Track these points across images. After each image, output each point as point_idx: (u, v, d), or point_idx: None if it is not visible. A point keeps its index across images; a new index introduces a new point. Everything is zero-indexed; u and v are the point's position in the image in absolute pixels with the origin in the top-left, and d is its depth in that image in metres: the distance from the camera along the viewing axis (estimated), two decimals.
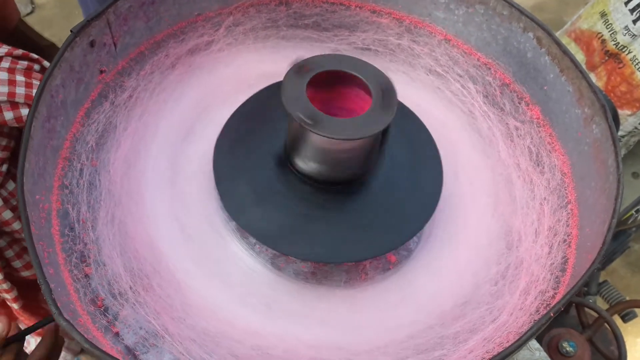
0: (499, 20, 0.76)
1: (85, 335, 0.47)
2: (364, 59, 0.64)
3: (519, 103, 0.77)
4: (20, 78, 0.79)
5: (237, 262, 0.67)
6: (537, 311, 0.61)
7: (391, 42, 0.86)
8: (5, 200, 0.84)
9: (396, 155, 0.69)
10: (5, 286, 0.90)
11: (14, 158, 0.84)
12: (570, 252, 0.65)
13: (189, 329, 0.60)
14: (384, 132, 0.61)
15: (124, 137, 0.72)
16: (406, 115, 0.73)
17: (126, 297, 0.61)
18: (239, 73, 0.83)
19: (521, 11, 0.73)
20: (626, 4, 1.19)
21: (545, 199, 0.71)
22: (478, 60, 0.80)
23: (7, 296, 0.93)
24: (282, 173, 0.66)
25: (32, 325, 0.66)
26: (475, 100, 0.80)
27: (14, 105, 0.78)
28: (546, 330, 0.93)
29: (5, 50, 0.81)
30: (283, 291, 0.66)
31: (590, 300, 1.14)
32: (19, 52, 0.83)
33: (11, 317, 1.04)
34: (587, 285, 1.18)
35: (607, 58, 1.24)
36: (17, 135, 0.84)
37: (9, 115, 0.78)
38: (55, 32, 1.13)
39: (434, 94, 0.83)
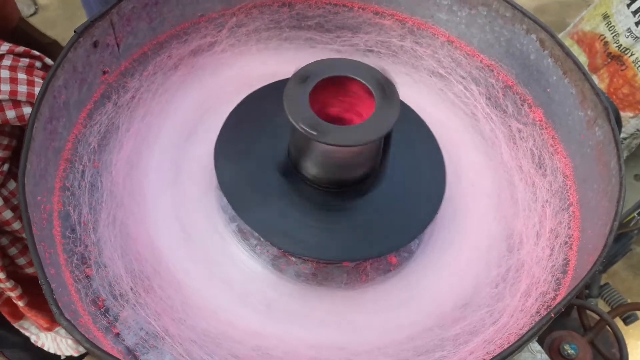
0: (501, 22, 0.76)
1: (86, 336, 0.47)
2: (367, 60, 0.64)
3: (522, 105, 0.77)
4: (22, 76, 0.79)
5: (238, 264, 0.67)
6: (538, 313, 0.60)
7: (394, 43, 0.86)
8: (6, 200, 0.84)
9: (399, 156, 0.69)
10: (8, 284, 0.90)
11: (16, 157, 0.84)
12: (572, 254, 0.64)
13: (189, 330, 0.60)
14: (387, 136, 0.61)
15: (126, 138, 0.72)
16: (409, 116, 0.73)
17: (127, 298, 0.61)
18: (241, 74, 0.83)
19: (524, 13, 0.73)
20: (629, 6, 1.19)
21: (547, 201, 0.71)
22: (481, 62, 0.80)
23: (11, 294, 0.93)
24: (285, 174, 0.66)
25: None
26: (478, 102, 0.80)
27: (16, 103, 0.78)
28: (547, 332, 0.93)
29: (7, 47, 0.81)
30: (284, 292, 0.66)
31: (592, 303, 1.14)
32: (21, 49, 0.83)
33: (16, 316, 1.04)
34: (589, 287, 1.18)
35: (609, 60, 1.24)
36: (19, 134, 0.84)
37: (11, 114, 0.78)
38: (58, 33, 1.13)
39: (436, 95, 0.83)
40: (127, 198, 0.68)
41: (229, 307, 0.63)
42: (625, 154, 1.30)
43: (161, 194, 0.70)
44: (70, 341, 1.12)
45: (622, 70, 1.22)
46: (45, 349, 1.15)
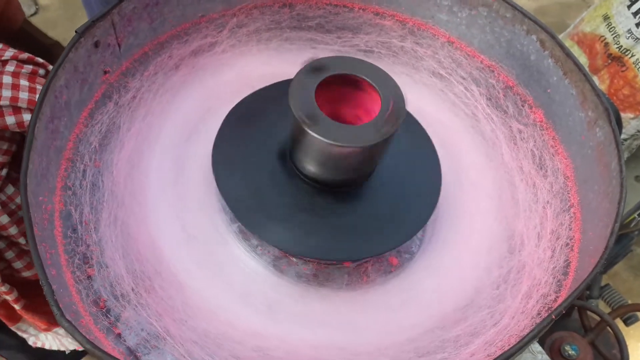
0: (502, 22, 0.76)
1: (87, 337, 0.47)
2: (367, 61, 0.64)
3: (522, 106, 0.77)
4: (24, 82, 0.79)
5: (239, 264, 0.67)
6: (539, 314, 0.60)
7: (394, 44, 0.86)
8: (4, 205, 0.84)
9: (395, 157, 0.69)
10: (4, 288, 0.90)
11: (15, 162, 0.84)
12: (573, 256, 0.64)
13: (190, 331, 0.60)
14: (384, 143, 0.60)
15: (127, 138, 0.72)
16: (406, 119, 0.73)
17: (128, 299, 0.61)
18: (242, 74, 0.83)
19: (524, 14, 0.73)
20: (629, 7, 1.19)
21: (548, 202, 0.71)
22: (481, 62, 0.80)
23: (7, 297, 0.93)
24: (284, 173, 0.66)
25: None
26: (478, 103, 0.80)
27: (16, 110, 0.78)
28: (548, 333, 0.93)
29: (11, 53, 0.81)
30: (285, 293, 0.66)
31: (593, 304, 1.14)
32: (25, 56, 0.83)
33: (13, 319, 1.04)
34: (590, 288, 1.18)
35: (609, 61, 1.24)
36: (18, 139, 0.84)
37: (10, 120, 0.78)
38: (59, 33, 1.13)
39: (437, 96, 0.83)
40: (128, 198, 0.68)
41: (230, 308, 0.63)
42: (625, 155, 1.30)
43: (162, 194, 0.70)
44: (71, 338, 1.12)
45: (622, 71, 1.22)
46: (47, 347, 1.14)
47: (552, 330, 0.92)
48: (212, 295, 0.64)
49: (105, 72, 0.71)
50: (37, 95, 0.78)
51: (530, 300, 0.62)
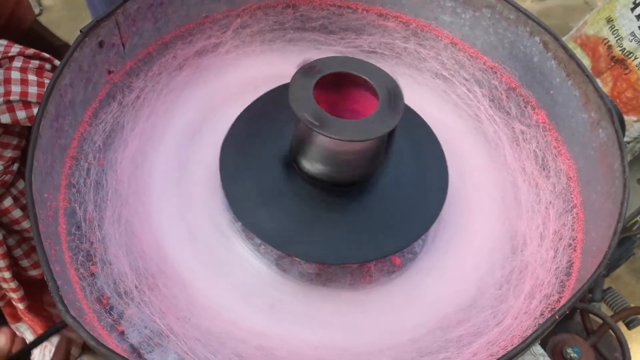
0: (505, 24, 0.76)
1: (91, 333, 0.47)
2: (371, 62, 0.65)
3: (525, 107, 0.77)
4: (32, 77, 0.80)
5: (242, 263, 0.67)
6: (542, 315, 0.60)
7: (397, 45, 0.86)
8: (16, 199, 0.85)
9: (401, 157, 0.69)
10: (12, 285, 0.90)
11: (25, 157, 0.84)
12: (576, 256, 0.64)
13: (193, 329, 0.60)
14: (390, 135, 0.61)
15: (131, 138, 0.72)
16: (412, 118, 0.74)
17: (131, 296, 0.61)
18: (246, 75, 0.83)
19: (528, 15, 0.73)
20: (632, 9, 1.19)
21: (550, 203, 0.71)
22: (484, 64, 0.80)
23: (13, 295, 0.94)
24: (288, 174, 0.67)
25: (37, 339, 0.67)
26: (481, 104, 0.80)
27: (27, 104, 0.79)
28: (551, 336, 0.93)
29: (17, 49, 0.82)
30: (288, 292, 0.66)
31: (595, 307, 1.14)
32: (31, 51, 0.83)
33: (15, 317, 1.05)
34: (592, 291, 1.18)
35: (613, 64, 1.24)
36: (28, 134, 0.84)
37: (21, 114, 0.78)
38: (63, 34, 1.14)
39: (440, 97, 0.84)
40: (132, 197, 0.68)
41: (233, 307, 0.63)
42: (628, 157, 1.30)
43: (166, 193, 0.70)
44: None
45: (625, 74, 1.22)
46: (31, 358, 1.14)
47: (554, 332, 0.92)
48: (216, 294, 0.64)
49: (109, 72, 0.71)
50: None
51: (533, 300, 0.62)
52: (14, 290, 0.93)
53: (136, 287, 0.61)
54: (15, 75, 0.79)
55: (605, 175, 0.64)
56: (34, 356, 1.12)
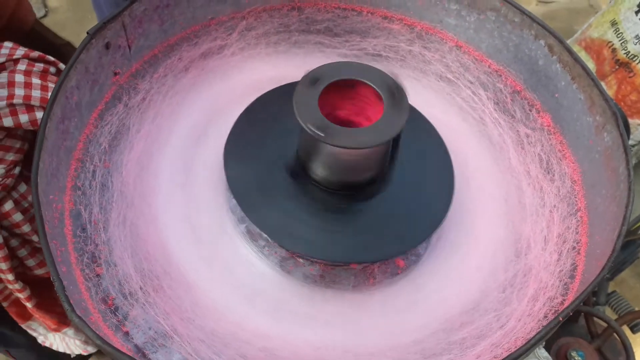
0: (510, 27, 0.76)
1: (97, 333, 0.48)
2: (375, 65, 0.65)
3: (530, 110, 0.77)
4: (36, 81, 0.80)
5: (247, 265, 0.67)
6: (546, 317, 0.60)
7: (402, 48, 0.86)
8: (17, 203, 0.85)
9: (408, 159, 0.69)
10: (17, 286, 0.90)
11: (27, 161, 0.85)
12: (580, 260, 0.64)
13: (197, 330, 0.60)
14: (396, 138, 0.61)
15: (137, 140, 0.72)
16: (418, 120, 0.74)
17: (136, 297, 0.62)
18: (251, 77, 0.83)
19: (532, 18, 0.73)
20: (637, 13, 1.19)
21: (555, 206, 0.71)
22: (489, 67, 0.80)
23: (20, 295, 0.94)
24: (294, 176, 0.67)
25: None
26: (486, 107, 0.80)
27: (30, 108, 0.79)
28: (555, 339, 0.92)
29: (22, 52, 0.82)
30: (291, 294, 0.66)
31: (599, 311, 1.14)
32: (36, 54, 0.84)
33: (24, 317, 1.05)
34: (596, 295, 1.18)
35: (617, 67, 1.24)
36: (31, 138, 0.85)
37: (24, 118, 0.78)
38: (68, 36, 1.14)
39: (444, 100, 0.84)
40: (138, 198, 0.68)
41: (237, 308, 0.64)
42: (633, 161, 1.30)
43: (171, 195, 0.70)
44: (78, 341, 1.13)
45: (630, 77, 1.22)
46: (54, 348, 1.15)
47: (558, 336, 0.92)
48: (220, 295, 0.64)
49: (115, 74, 0.72)
50: (49, 93, 0.79)
51: (536, 303, 0.62)
52: (19, 291, 0.93)
53: (141, 288, 0.62)
54: (19, 78, 0.79)
55: (610, 178, 0.64)
56: (56, 344, 1.13)
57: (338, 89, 0.63)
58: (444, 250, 0.71)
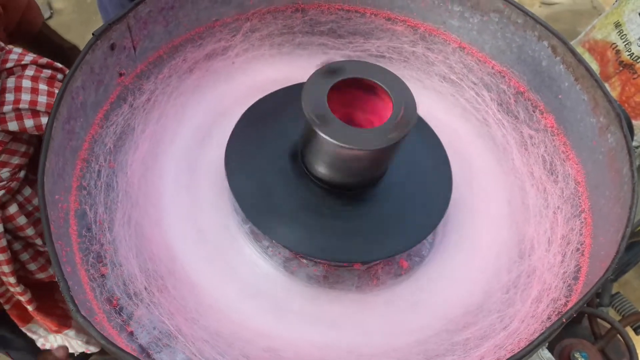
0: (513, 28, 0.76)
1: (102, 333, 0.48)
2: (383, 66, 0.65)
3: (534, 111, 0.77)
4: (43, 87, 0.80)
5: (251, 265, 0.68)
6: (549, 318, 0.60)
7: (405, 49, 0.86)
8: (21, 206, 0.85)
9: (406, 160, 0.69)
10: (18, 289, 0.91)
11: (32, 164, 0.85)
12: (584, 261, 0.64)
13: (202, 330, 0.61)
14: (394, 147, 0.61)
15: (141, 140, 0.73)
16: (417, 123, 0.74)
17: (141, 298, 0.62)
18: (255, 78, 0.84)
19: (536, 20, 0.73)
20: None
21: (558, 207, 0.71)
22: (492, 68, 0.80)
23: (21, 298, 0.94)
24: (295, 175, 0.67)
25: None
26: (489, 108, 0.80)
27: (35, 113, 0.79)
28: (558, 340, 0.92)
29: (31, 58, 0.83)
30: (295, 294, 0.66)
31: (603, 312, 1.13)
32: (44, 60, 0.84)
33: (24, 320, 1.06)
34: (600, 296, 1.17)
35: (621, 68, 1.24)
36: (36, 142, 0.85)
37: (29, 123, 0.79)
38: (73, 37, 1.15)
39: (448, 101, 0.84)
40: (142, 199, 0.68)
41: (241, 308, 0.64)
42: (637, 162, 1.30)
43: (176, 196, 0.71)
44: (80, 341, 1.13)
45: (634, 78, 1.22)
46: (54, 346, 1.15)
47: (561, 337, 0.92)
48: (224, 296, 0.64)
49: (120, 74, 0.72)
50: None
51: (540, 304, 0.62)
52: (20, 294, 0.93)
53: (145, 288, 0.62)
54: (27, 83, 0.79)
55: (613, 180, 0.64)
56: (57, 343, 1.13)
57: (353, 87, 0.63)
58: (447, 251, 0.71)
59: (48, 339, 1.13)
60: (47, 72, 0.83)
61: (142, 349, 0.59)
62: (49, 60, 0.85)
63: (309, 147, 0.63)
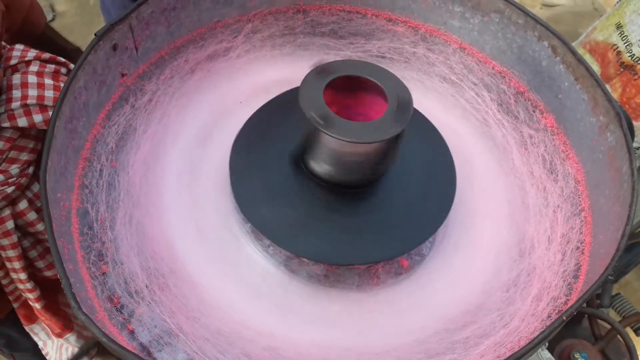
0: (514, 28, 0.76)
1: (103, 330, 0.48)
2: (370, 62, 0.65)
3: (534, 111, 0.77)
4: (48, 81, 0.81)
5: (252, 264, 0.68)
6: (549, 317, 0.61)
7: (406, 50, 0.87)
8: (31, 202, 0.86)
9: (409, 159, 0.70)
10: (28, 285, 0.91)
11: (40, 161, 0.86)
12: (584, 259, 0.65)
13: (203, 329, 0.61)
14: (396, 139, 0.61)
15: (143, 140, 0.73)
16: (420, 121, 0.74)
17: (142, 296, 0.62)
18: (256, 79, 0.84)
19: (536, 20, 0.73)
20: None
21: (558, 206, 0.71)
22: (493, 68, 0.81)
23: (29, 295, 0.95)
24: (297, 176, 0.67)
25: None
26: (489, 108, 0.80)
27: (43, 108, 0.80)
28: (558, 340, 0.92)
29: (34, 54, 0.83)
30: (296, 293, 0.66)
31: (603, 313, 1.13)
32: (47, 56, 0.85)
33: (30, 319, 1.06)
34: (600, 297, 1.17)
35: (622, 70, 1.24)
36: (43, 138, 0.86)
37: (38, 118, 0.80)
38: (76, 39, 1.15)
39: (448, 101, 0.84)
40: (144, 198, 0.69)
41: (242, 307, 0.64)
42: (637, 163, 1.30)
43: (177, 195, 0.71)
44: (76, 349, 1.14)
45: (634, 79, 1.22)
46: (47, 358, 1.16)
47: (562, 337, 0.92)
48: (225, 294, 0.64)
49: (122, 75, 0.72)
50: None
51: (540, 303, 0.62)
52: (30, 291, 0.94)
53: (147, 286, 0.62)
54: (32, 79, 0.80)
55: (613, 178, 0.64)
56: (51, 353, 1.13)
57: (346, 84, 0.63)
58: (447, 250, 0.71)
59: (47, 343, 1.14)
60: (51, 67, 0.84)
61: (143, 347, 0.59)
62: (52, 55, 0.86)
63: (313, 148, 0.64)
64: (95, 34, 0.65)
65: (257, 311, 0.64)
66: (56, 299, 1.02)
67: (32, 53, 0.83)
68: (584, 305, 0.99)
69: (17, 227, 0.86)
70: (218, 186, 0.73)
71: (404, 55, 0.87)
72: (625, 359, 0.96)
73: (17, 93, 0.78)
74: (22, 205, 0.84)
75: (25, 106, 0.78)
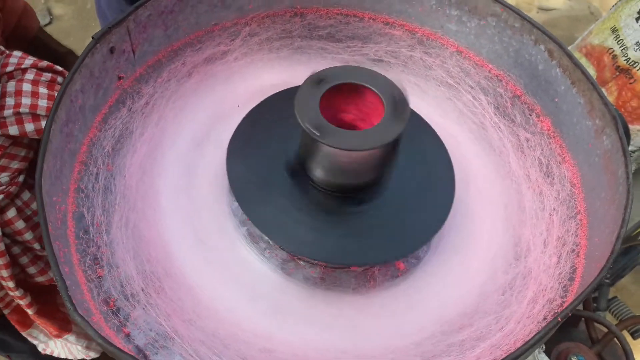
0: (510, 32, 0.77)
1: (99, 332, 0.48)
2: (376, 70, 0.65)
3: (530, 115, 0.78)
4: (43, 90, 0.80)
5: (248, 267, 0.68)
6: (545, 319, 0.61)
7: (403, 53, 0.87)
8: (20, 210, 0.85)
9: (408, 163, 0.70)
10: (18, 293, 0.90)
11: (32, 169, 0.85)
12: (579, 262, 0.65)
13: (198, 331, 0.61)
14: (395, 144, 0.61)
15: (140, 143, 0.73)
16: (420, 125, 0.74)
17: (138, 299, 0.62)
18: (253, 82, 0.84)
19: (532, 24, 0.74)
20: (637, 20, 1.20)
21: (554, 209, 0.71)
22: (489, 72, 0.81)
23: (21, 302, 0.94)
24: (295, 178, 0.67)
25: None
26: (486, 112, 0.81)
27: (36, 117, 0.79)
28: (555, 343, 0.92)
29: (31, 61, 0.83)
30: (292, 296, 0.66)
31: (600, 316, 1.13)
32: (44, 64, 0.84)
33: (25, 325, 1.05)
34: (597, 300, 1.17)
35: (618, 73, 1.25)
36: (36, 147, 0.85)
37: (29, 127, 0.79)
38: (73, 43, 1.15)
39: (445, 105, 0.84)
40: (140, 201, 0.69)
41: (238, 310, 0.64)
42: (633, 167, 1.30)
43: (173, 198, 0.71)
44: (80, 347, 1.13)
45: (630, 83, 1.22)
46: (56, 355, 1.15)
47: (558, 340, 0.92)
48: (221, 297, 0.64)
49: (119, 78, 0.72)
50: None
51: (536, 305, 0.63)
52: (20, 298, 0.93)
53: (142, 289, 0.62)
54: (27, 87, 0.79)
55: (609, 181, 0.65)
56: (57, 350, 1.13)
57: (343, 93, 0.64)
58: (444, 253, 0.71)
59: (49, 344, 1.13)
60: (47, 76, 0.83)
61: (139, 350, 0.59)
62: (49, 63, 0.85)
63: (311, 156, 0.64)
64: (92, 37, 0.65)
65: (253, 314, 0.64)
66: (52, 301, 1.01)
67: (29, 61, 0.83)
68: (581, 308, 0.99)
69: (5, 235, 0.85)
70: (214, 189, 0.73)
71: (400, 58, 0.87)
72: None
73: (10, 101, 0.78)
74: (11, 213, 0.83)
75: (17, 114, 0.78)
